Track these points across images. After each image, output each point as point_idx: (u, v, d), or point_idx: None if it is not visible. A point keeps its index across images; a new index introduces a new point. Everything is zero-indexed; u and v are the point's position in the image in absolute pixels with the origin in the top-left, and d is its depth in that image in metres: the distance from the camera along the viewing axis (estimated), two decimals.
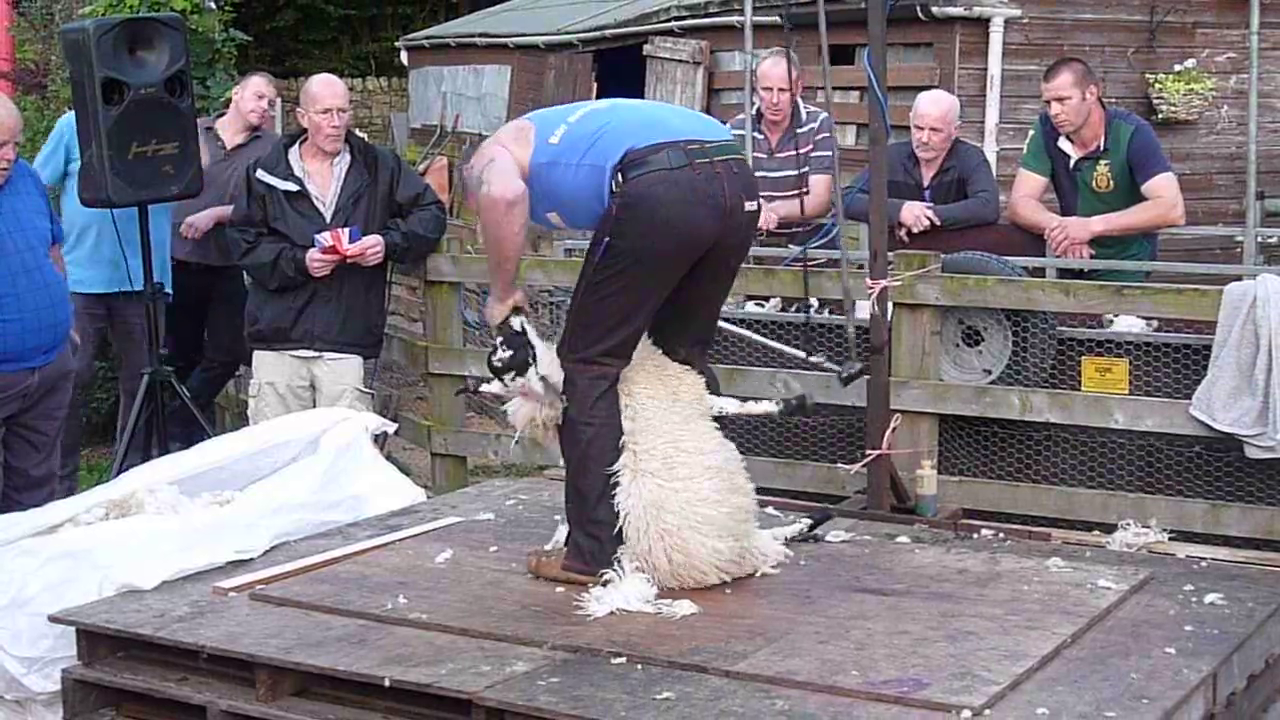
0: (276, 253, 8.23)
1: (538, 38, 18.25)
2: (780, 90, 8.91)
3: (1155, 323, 7.28)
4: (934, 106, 8.61)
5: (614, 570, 5.55)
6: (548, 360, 5.73)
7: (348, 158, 8.40)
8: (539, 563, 5.84)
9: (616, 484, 5.62)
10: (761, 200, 8.79)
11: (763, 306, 8.16)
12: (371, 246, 8.24)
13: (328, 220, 8.28)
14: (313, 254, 8.17)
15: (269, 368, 8.47)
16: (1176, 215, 8.07)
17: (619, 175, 5.51)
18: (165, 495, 6.41)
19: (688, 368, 5.86)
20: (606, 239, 5.55)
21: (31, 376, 7.37)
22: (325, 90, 8.36)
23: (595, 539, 5.66)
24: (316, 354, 8.39)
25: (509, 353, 5.75)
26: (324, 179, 8.37)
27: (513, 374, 5.75)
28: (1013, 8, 12.14)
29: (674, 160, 5.50)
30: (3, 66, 15.77)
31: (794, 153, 8.61)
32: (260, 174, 8.33)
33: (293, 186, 8.30)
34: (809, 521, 6.30)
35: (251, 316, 8.53)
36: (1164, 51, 12.90)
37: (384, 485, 6.96)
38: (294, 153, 8.41)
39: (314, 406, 8.29)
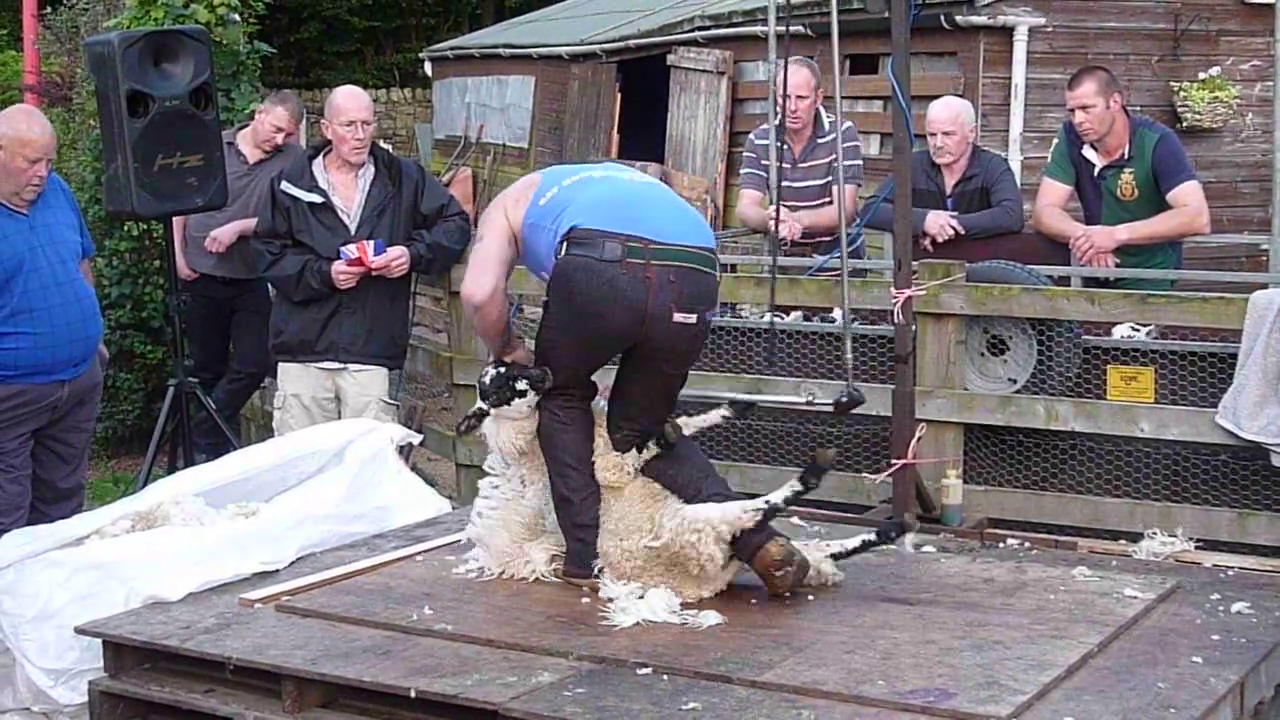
0: (301, 265, 8.23)
1: (561, 48, 18.27)
2: (799, 98, 8.89)
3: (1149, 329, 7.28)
4: (944, 110, 8.60)
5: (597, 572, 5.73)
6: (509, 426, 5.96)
7: (372, 169, 8.40)
8: (557, 568, 5.94)
9: (594, 484, 5.80)
10: (786, 210, 8.87)
11: (784, 318, 8.15)
12: (397, 258, 8.24)
13: (352, 232, 8.28)
14: (338, 266, 8.17)
15: (294, 380, 8.47)
16: (1202, 223, 8.05)
17: (563, 246, 5.62)
18: (191, 507, 6.42)
19: (608, 450, 5.91)
20: (546, 299, 5.76)
21: (61, 389, 7.42)
22: (350, 103, 8.37)
23: (582, 541, 5.79)
24: (341, 366, 8.39)
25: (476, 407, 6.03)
26: (348, 191, 8.37)
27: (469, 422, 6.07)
28: (1037, 16, 12.11)
29: (608, 253, 5.53)
30: (29, 80, 15.86)
31: (818, 163, 8.61)
32: (285, 186, 8.33)
33: (317, 198, 8.30)
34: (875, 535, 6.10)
35: (276, 329, 8.53)
36: (1188, 59, 12.85)
37: (409, 497, 6.97)
38: (318, 164, 8.40)
39: (339, 418, 8.30)
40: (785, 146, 9.12)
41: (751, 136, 9.48)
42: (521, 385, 5.85)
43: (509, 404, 5.87)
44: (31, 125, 7.33)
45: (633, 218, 5.62)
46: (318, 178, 8.35)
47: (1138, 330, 7.26)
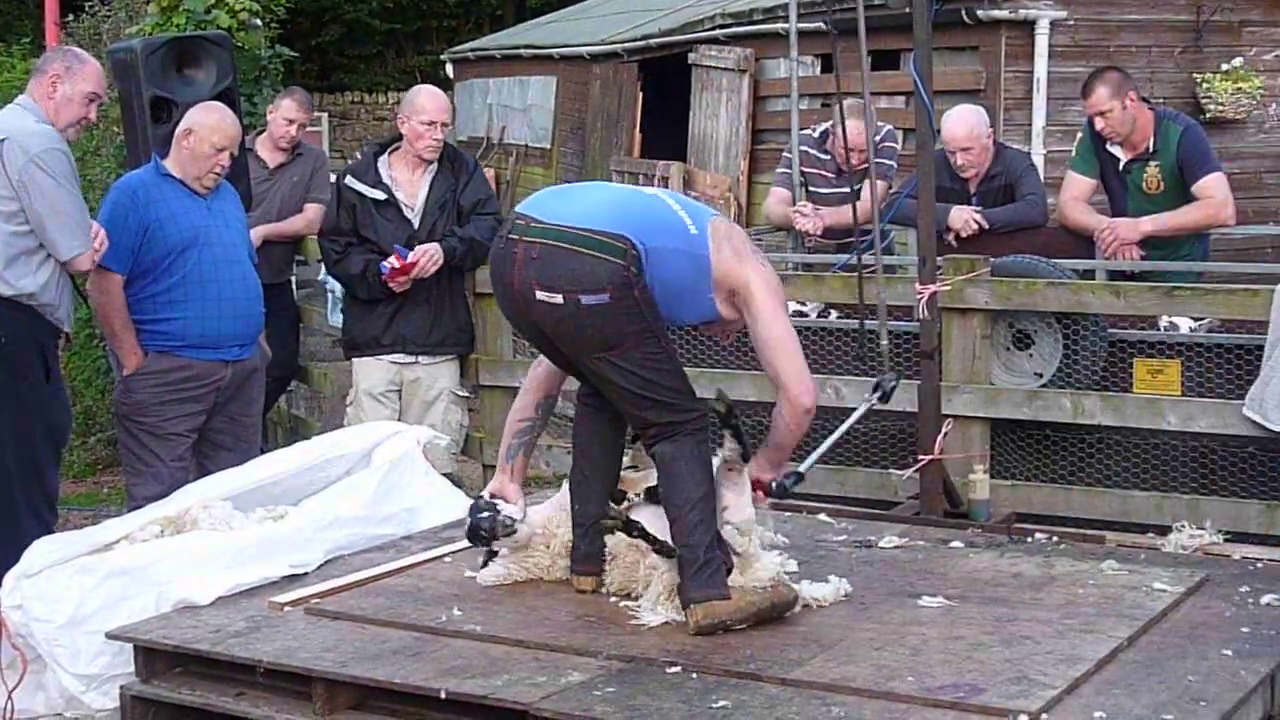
0: (364, 265, 8.39)
1: (583, 48, 18.29)
2: (859, 151, 8.62)
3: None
4: (959, 127, 8.48)
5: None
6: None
7: (435, 165, 8.50)
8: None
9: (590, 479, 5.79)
10: (810, 206, 8.85)
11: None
12: (429, 255, 8.28)
13: (415, 227, 8.41)
14: (385, 277, 8.27)
15: (367, 374, 8.64)
16: (1227, 215, 8.03)
17: None
18: (219, 511, 6.43)
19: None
20: None
21: (225, 370, 7.70)
22: (431, 103, 8.49)
23: (586, 538, 5.79)
24: (412, 359, 8.55)
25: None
26: (412, 187, 8.49)
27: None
28: (1058, 10, 12.09)
29: (502, 229, 5.58)
30: None
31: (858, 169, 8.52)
32: (349, 181, 8.48)
33: (380, 194, 8.42)
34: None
35: (344, 326, 8.79)
36: (1211, 51, 12.83)
37: (436, 498, 6.98)
38: (383, 161, 8.53)
39: (400, 409, 8.55)
40: (830, 157, 9.10)
41: (794, 141, 9.44)
42: (503, 517, 5.86)
43: (501, 539, 5.87)
44: (223, 116, 7.74)
45: (541, 202, 5.59)
46: (382, 173, 8.47)
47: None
